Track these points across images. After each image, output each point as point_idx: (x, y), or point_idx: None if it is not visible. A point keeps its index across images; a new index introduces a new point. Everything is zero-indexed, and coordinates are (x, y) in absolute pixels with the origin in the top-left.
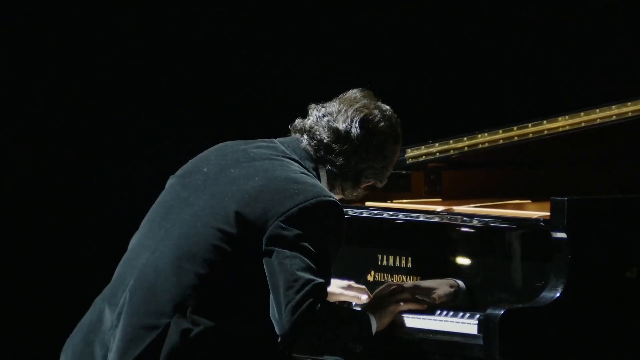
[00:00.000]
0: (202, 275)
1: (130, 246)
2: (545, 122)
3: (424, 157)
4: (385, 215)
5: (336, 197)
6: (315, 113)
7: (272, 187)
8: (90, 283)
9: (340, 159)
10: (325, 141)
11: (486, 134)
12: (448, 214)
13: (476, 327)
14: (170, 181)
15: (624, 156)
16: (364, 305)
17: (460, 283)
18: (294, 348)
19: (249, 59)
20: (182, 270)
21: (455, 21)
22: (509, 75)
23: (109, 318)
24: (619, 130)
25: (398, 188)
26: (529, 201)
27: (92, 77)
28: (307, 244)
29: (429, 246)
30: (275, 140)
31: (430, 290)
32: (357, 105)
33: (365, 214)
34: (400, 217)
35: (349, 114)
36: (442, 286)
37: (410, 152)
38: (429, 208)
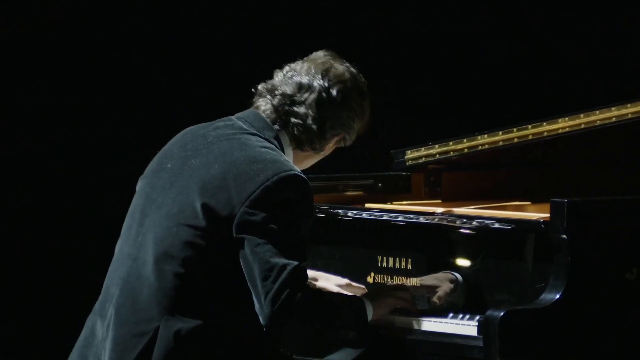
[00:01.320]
0: (182, 274)
1: (114, 255)
2: (545, 123)
3: (423, 158)
4: (385, 217)
5: (308, 164)
6: (280, 73)
7: (232, 172)
8: (92, 285)
9: (303, 109)
10: (288, 92)
11: (486, 136)
12: (448, 215)
13: (476, 328)
14: (140, 183)
15: (623, 158)
16: (363, 293)
17: (458, 276)
18: (283, 337)
19: (248, 58)
20: (163, 273)
21: (455, 22)
22: (509, 76)
23: (100, 331)
24: (618, 132)
25: (398, 190)
26: (529, 203)
27: (91, 76)
28: (276, 226)
29: (429, 248)
30: (233, 117)
31: (432, 290)
32: (321, 60)
33: (365, 215)
34: (400, 218)
35: (312, 68)
36: (443, 283)
37: (410, 154)
38: (429, 210)
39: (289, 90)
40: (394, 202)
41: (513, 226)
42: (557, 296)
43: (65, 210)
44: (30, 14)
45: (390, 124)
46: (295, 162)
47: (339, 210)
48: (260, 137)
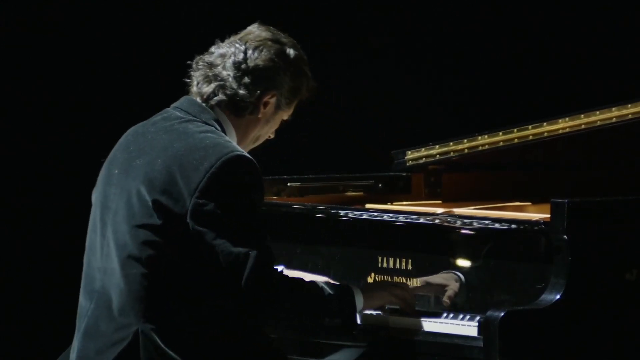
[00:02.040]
0: (148, 275)
1: (84, 269)
2: (545, 124)
3: (424, 159)
4: (386, 218)
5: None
6: (216, 51)
7: (176, 165)
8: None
9: (224, 72)
10: (209, 60)
11: (486, 136)
12: (448, 216)
13: (476, 329)
14: (94, 195)
15: (624, 158)
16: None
17: (461, 276)
18: (265, 322)
19: None
20: (130, 277)
21: (455, 22)
22: (509, 76)
23: (79, 342)
24: (619, 133)
25: (398, 190)
26: (529, 203)
27: (91, 76)
28: (230, 212)
29: (429, 248)
30: (170, 108)
31: (441, 290)
32: (245, 31)
33: (365, 216)
34: (401, 219)
35: (234, 37)
36: (450, 282)
37: (410, 154)
38: (429, 210)
39: (211, 59)
40: (394, 203)
41: (513, 227)
42: (557, 296)
43: (65, 210)
44: (30, 14)
45: (391, 124)
46: (241, 138)
47: (340, 211)
48: (199, 121)
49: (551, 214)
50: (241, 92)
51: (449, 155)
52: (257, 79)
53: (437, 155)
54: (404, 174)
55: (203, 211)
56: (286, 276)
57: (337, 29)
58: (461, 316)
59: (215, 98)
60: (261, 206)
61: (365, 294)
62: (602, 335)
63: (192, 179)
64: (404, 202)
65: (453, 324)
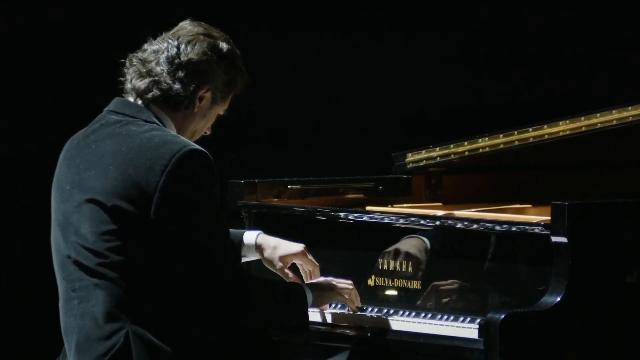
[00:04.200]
0: (124, 278)
1: (59, 288)
2: (545, 126)
3: (424, 161)
4: (386, 220)
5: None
6: (149, 48)
7: (130, 168)
8: None
9: (158, 68)
10: (142, 57)
11: (487, 139)
12: (448, 218)
13: (477, 331)
14: (53, 216)
15: (624, 161)
16: (309, 283)
17: (426, 240)
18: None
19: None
20: (107, 285)
21: (455, 24)
22: (510, 78)
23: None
24: (619, 135)
25: (399, 192)
26: (530, 206)
27: (91, 76)
28: (193, 208)
29: (430, 250)
30: (104, 112)
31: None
32: (176, 27)
33: (366, 218)
34: (401, 221)
35: (166, 34)
36: (420, 254)
37: (410, 157)
38: (430, 213)
39: (144, 55)
40: (394, 205)
41: (514, 229)
42: (558, 299)
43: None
44: (30, 14)
45: (391, 127)
46: (179, 132)
47: (340, 213)
48: (139, 120)
49: (552, 216)
50: (175, 86)
51: (449, 158)
52: (191, 72)
53: (438, 158)
54: (405, 176)
55: (165, 210)
56: (246, 274)
57: (337, 29)
58: (462, 318)
59: (150, 94)
60: (217, 197)
61: (314, 293)
62: (603, 338)
63: (149, 180)
64: (405, 205)
65: (453, 326)
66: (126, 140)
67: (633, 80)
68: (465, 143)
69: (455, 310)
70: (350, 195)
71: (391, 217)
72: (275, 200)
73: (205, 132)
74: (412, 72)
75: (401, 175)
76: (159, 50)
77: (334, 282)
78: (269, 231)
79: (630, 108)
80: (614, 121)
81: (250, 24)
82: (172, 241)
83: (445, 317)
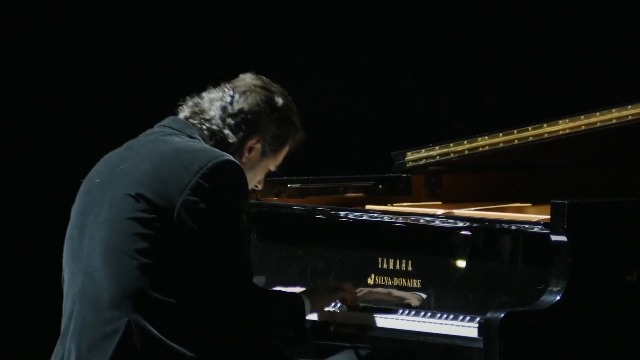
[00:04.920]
0: (137, 266)
1: (65, 282)
2: (545, 125)
3: (424, 160)
4: (386, 219)
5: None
6: (206, 96)
7: (164, 164)
8: None
9: (212, 112)
10: (200, 104)
11: (486, 138)
12: (448, 217)
13: (476, 330)
14: (72, 210)
15: (624, 159)
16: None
17: (424, 296)
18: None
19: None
20: (116, 271)
21: (456, 23)
22: (509, 78)
23: (68, 348)
24: (619, 134)
25: (398, 191)
26: (530, 204)
27: (91, 76)
28: (219, 215)
29: (430, 249)
30: (153, 128)
31: (400, 300)
32: (236, 79)
33: (365, 217)
34: (401, 220)
35: (225, 84)
36: (411, 299)
37: (410, 155)
38: (429, 211)
39: (200, 101)
40: (394, 204)
41: (513, 228)
42: (558, 298)
43: (65, 210)
44: (30, 14)
45: (391, 125)
46: None
47: (340, 212)
48: (183, 135)
49: (551, 215)
50: (225, 131)
51: (449, 157)
52: (241, 121)
53: (437, 157)
54: (404, 175)
55: (193, 209)
56: (258, 288)
57: (337, 29)
58: (461, 317)
59: (200, 130)
60: (244, 212)
61: (311, 298)
62: (602, 337)
63: (182, 177)
64: (404, 204)
65: (453, 325)
66: (167, 143)
67: (633, 80)
68: (465, 142)
69: (455, 309)
70: (350, 194)
71: (391, 216)
72: (275, 199)
73: (256, 186)
74: (411, 72)
75: (401, 174)
76: (215, 99)
77: (330, 284)
78: (269, 230)
79: (630, 107)
80: (614, 120)
81: (250, 24)
82: (189, 241)
83: (445, 316)
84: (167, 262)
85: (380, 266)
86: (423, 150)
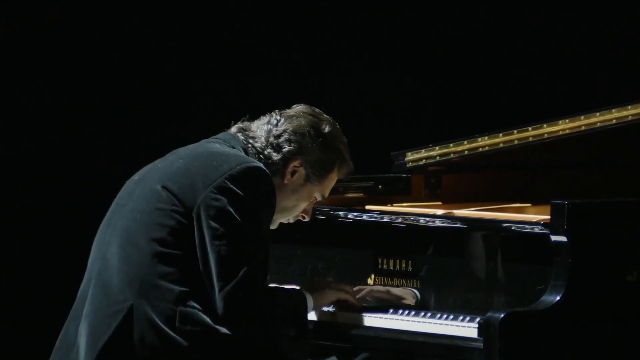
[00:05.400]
0: (150, 254)
1: (87, 266)
2: (545, 125)
3: (424, 160)
4: (386, 219)
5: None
6: (256, 122)
7: (196, 163)
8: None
9: (258, 132)
10: (249, 127)
11: (486, 138)
12: (448, 217)
13: (476, 330)
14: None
15: (624, 160)
16: (301, 286)
17: (417, 293)
18: (231, 329)
19: (248, 57)
20: (130, 257)
21: (455, 24)
22: (510, 78)
23: (74, 331)
24: (619, 134)
25: (398, 191)
26: (529, 205)
27: (91, 76)
28: (238, 216)
29: (429, 250)
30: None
31: (398, 299)
32: (289, 109)
33: (365, 217)
34: (400, 220)
35: (275, 112)
36: (406, 297)
37: (410, 156)
38: (429, 212)
39: (250, 125)
40: (394, 204)
41: (513, 228)
42: (558, 298)
43: (65, 210)
44: (30, 14)
45: (391, 126)
46: None
47: (339, 212)
48: (226, 145)
49: (551, 215)
50: (268, 150)
51: (449, 157)
52: (285, 140)
53: (437, 157)
54: (404, 175)
55: (212, 206)
56: (265, 296)
57: (337, 29)
58: (461, 317)
59: (247, 146)
60: (268, 223)
61: (314, 295)
62: (602, 337)
63: (210, 176)
64: (404, 204)
65: (453, 325)
66: (206, 148)
67: (633, 80)
68: (465, 142)
69: (455, 309)
70: (349, 195)
71: (391, 217)
72: None
73: (303, 217)
74: (412, 72)
75: (401, 174)
76: (263, 122)
77: (332, 283)
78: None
79: (630, 107)
80: (614, 120)
81: (250, 24)
82: (201, 236)
83: (445, 316)
84: (179, 254)
85: (380, 266)
86: (423, 150)
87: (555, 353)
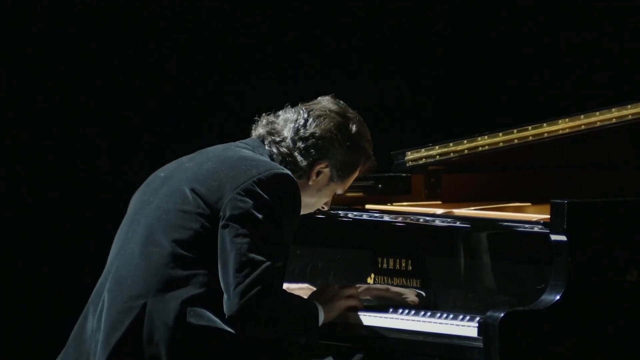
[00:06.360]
0: (169, 254)
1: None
2: (545, 124)
3: (424, 159)
4: (386, 218)
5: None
6: (282, 115)
7: (225, 166)
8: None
9: (285, 133)
10: (275, 123)
11: (486, 137)
12: (448, 217)
13: (476, 329)
14: (132, 200)
15: (624, 159)
16: (312, 295)
17: (422, 294)
18: (239, 330)
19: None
20: (149, 254)
21: (455, 24)
22: (509, 77)
23: (90, 324)
24: (619, 133)
25: (398, 191)
26: (529, 204)
27: (91, 76)
28: (261, 219)
29: (429, 249)
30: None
31: (399, 297)
32: (313, 101)
33: (365, 216)
34: (400, 220)
35: (301, 105)
36: (409, 295)
37: (410, 155)
38: (429, 211)
39: (276, 120)
40: (394, 204)
41: (513, 227)
42: (557, 297)
43: (66, 210)
44: (30, 14)
45: (391, 125)
46: None
47: (339, 212)
48: (254, 151)
49: (551, 215)
50: (295, 154)
51: (449, 156)
52: (311, 146)
53: (437, 156)
54: (404, 174)
55: (237, 206)
56: (281, 300)
57: (337, 28)
58: (461, 317)
59: (271, 148)
60: (291, 230)
61: (325, 308)
62: (602, 336)
63: (238, 179)
64: (404, 203)
65: (453, 324)
66: (235, 152)
67: (633, 80)
68: (465, 141)
69: (454, 308)
70: (349, 194)
71: (391, 216)
72: None
73: (322, 207)
74: (412, 71)
75: (400, 173)
76: (289, 119)
77: (337, 291)
78: None
79: (629, 107)
80: (614, 120)
81: (250, 24)
82: (225, 237)
83: (445, 315)
84: (198, 257)
85: (380, 266)
86: (423, 149)
87: (554, 352)
